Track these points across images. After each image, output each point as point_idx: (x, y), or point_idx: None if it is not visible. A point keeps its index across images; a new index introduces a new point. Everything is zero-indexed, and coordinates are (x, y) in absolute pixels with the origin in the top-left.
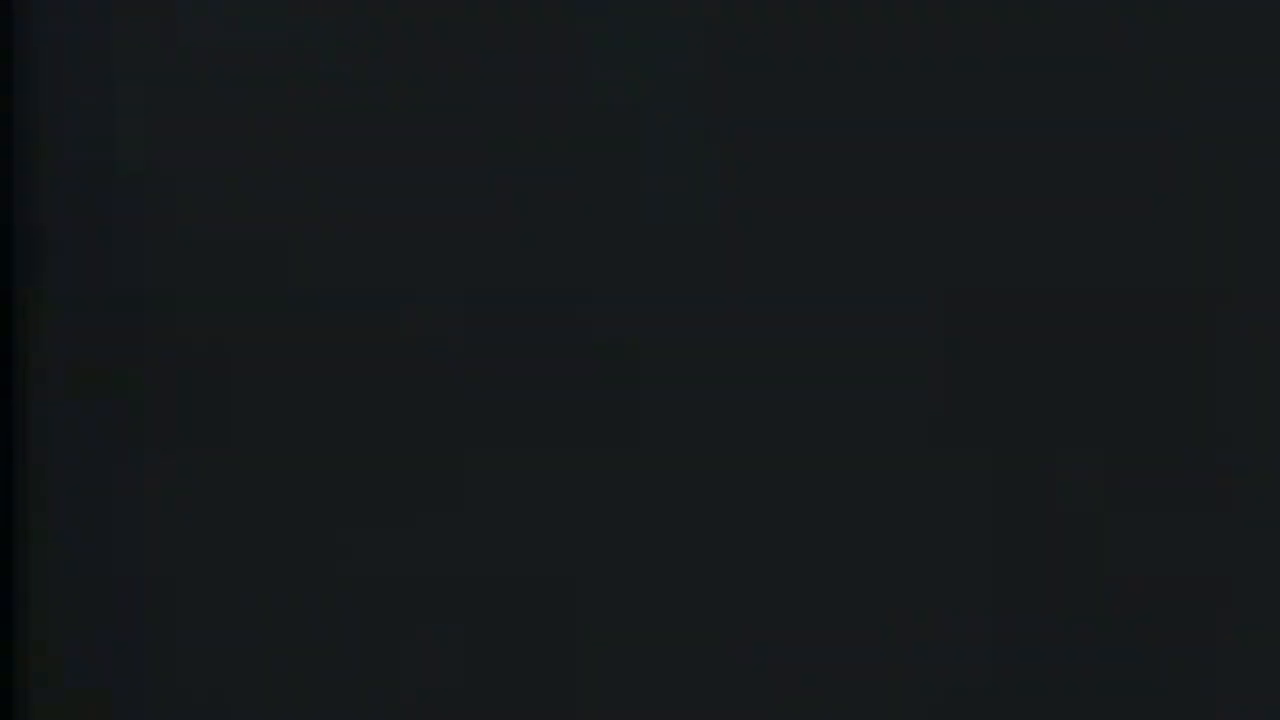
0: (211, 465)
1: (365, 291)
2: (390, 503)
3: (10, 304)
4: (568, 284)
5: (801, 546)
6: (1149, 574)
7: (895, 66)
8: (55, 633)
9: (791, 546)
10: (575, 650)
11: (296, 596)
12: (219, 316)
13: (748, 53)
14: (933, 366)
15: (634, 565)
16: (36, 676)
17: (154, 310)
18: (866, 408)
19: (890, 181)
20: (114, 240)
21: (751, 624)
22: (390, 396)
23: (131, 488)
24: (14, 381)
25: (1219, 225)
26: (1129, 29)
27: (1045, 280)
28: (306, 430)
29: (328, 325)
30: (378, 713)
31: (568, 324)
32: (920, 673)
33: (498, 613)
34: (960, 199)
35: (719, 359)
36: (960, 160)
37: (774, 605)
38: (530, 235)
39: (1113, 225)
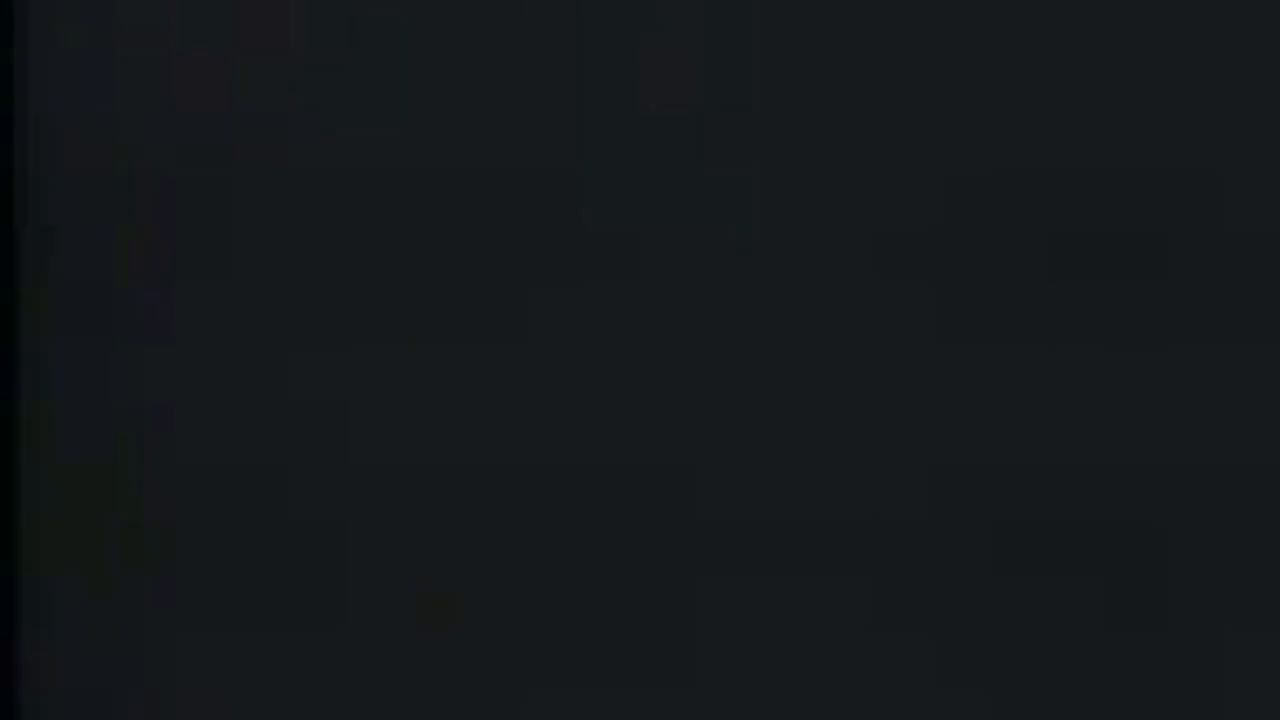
0: (208, 463)
1: (366, 289)
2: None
3: (11, 304)
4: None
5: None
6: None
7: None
8: (55, 631)
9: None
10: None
11: (292, 604)
12: (218, 313)
13: None
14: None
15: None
16: (35, 676)
17: (154, 307)
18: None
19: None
20: (115, 236)
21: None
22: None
23: (131, 487)
24: (15, 380)
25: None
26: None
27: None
28: (308, 426)
29: (328, 320)
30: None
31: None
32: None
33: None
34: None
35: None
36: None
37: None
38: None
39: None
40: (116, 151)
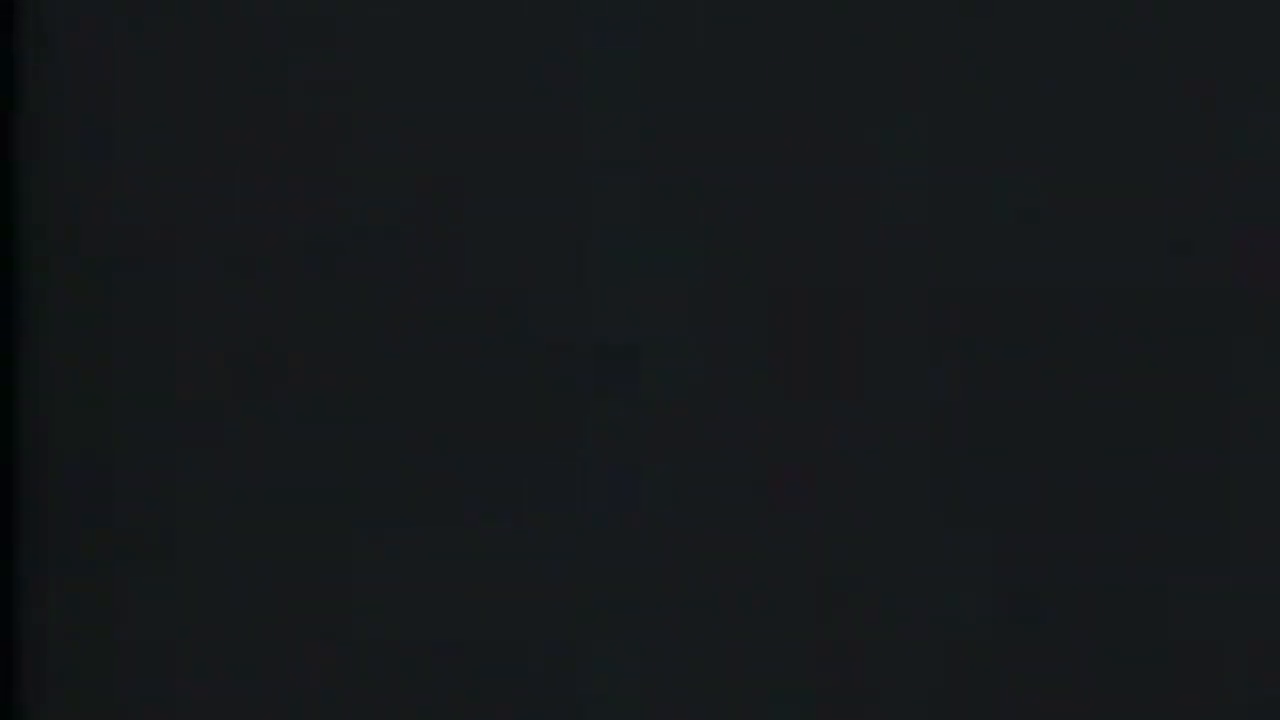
0: (207, 466)
1: (366, 295)
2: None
3: (10, 304)
4: (547, 288)
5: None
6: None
7: (893, 65)
8: (55, 632)
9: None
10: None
11: (292, 602)
12: (216, 323)
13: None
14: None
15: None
16: (36, 676)
17: (155, 314)
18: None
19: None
20: (114, 244)
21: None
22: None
23: (131, 491)
24: (15, 384)
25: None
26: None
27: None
28: (305, 434)
29: (331, 328)
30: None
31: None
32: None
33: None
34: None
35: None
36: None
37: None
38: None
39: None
40: (117, 150)
